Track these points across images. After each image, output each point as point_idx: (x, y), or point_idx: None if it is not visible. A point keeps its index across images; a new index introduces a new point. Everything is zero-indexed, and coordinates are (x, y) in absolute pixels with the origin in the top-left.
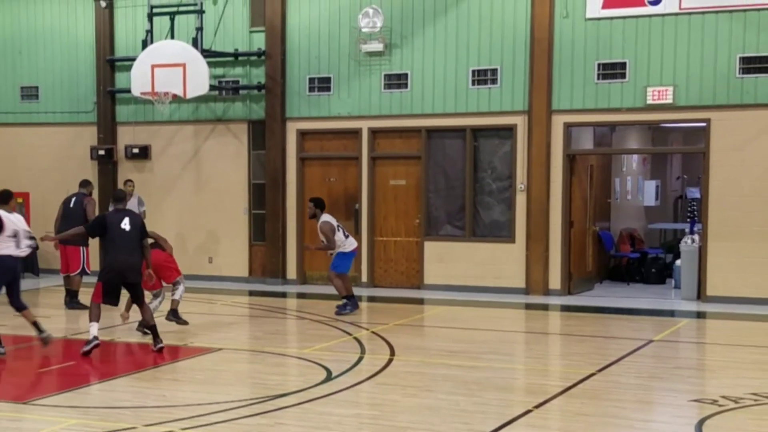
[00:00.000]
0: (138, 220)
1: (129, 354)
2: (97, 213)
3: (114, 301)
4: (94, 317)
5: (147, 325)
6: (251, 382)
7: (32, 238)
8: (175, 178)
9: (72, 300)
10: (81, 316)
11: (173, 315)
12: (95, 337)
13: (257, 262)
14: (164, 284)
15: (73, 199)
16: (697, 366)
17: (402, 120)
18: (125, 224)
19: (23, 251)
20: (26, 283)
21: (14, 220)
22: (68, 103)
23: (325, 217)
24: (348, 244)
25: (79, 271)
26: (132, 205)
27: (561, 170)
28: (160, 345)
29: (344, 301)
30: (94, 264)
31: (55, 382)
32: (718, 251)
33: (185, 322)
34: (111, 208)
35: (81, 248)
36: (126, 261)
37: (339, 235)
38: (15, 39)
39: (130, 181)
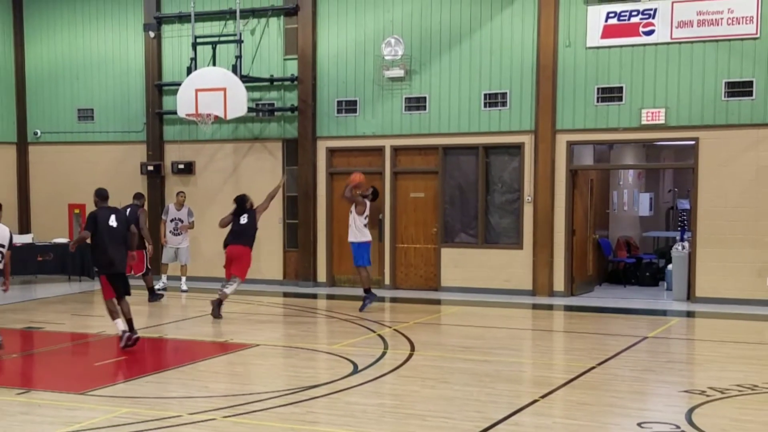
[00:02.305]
0: (122, 215)
1: (175, 349)
2: (145, 223)
3: (117, 292)
4: (116, 314)
5: (126, 317)
6: (285, 375)
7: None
8: (217, 191)
9: (152, 295)
10: (139, 312)
11: (217, 306)
12: (124, 331)
13: (291, 267)
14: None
15: (128, 210)
16: (687, 360)
17: (421, 138)
18: (112, 221)
19: None
20: (81, 285)
21: None
22: (120, 123)
23: (366, 203)
24: (363, 234)
25: (144, 272)
26: (182, 214)
27: (564, 184)
28: (136, 336)
29: (364, 296)
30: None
31: (108, 374)
32: (706, 257)
33: (220, 317)
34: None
35: (144, 251)
36: (115, 254)
37: (361, 220)
38: (73, 66)
39: (182, 192)
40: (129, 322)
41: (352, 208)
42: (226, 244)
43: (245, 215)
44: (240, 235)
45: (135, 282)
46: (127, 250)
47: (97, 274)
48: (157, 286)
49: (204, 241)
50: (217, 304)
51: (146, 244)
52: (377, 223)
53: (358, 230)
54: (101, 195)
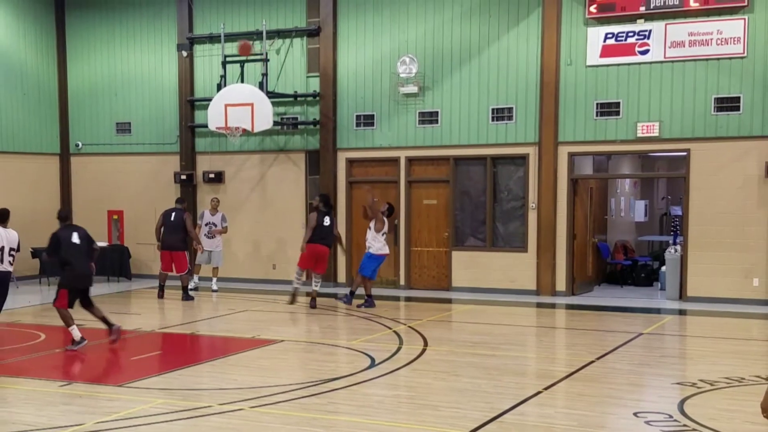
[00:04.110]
0: (84, 232)
1: (207, 345)
2: (192, 225)
3: (72, 305)
4: (71, 321)
5: (100, 316)
6: (308, 369)
7: (12, 255)
8: (245, 198)
9: (185, 294)
10: (173, 310)
11: (313, 303)
12: (82, 338)
13: None
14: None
15: (173, 214)
16: (679, 355)
17: (433, 150)
18: (75, 238)
19: (3, 266)
20: (119, 285)
21: (6, 237)
22: (156, 136)
23: (385, 220)
24: (379, 248)
25: (186, 271)
26: (216, 219)
27: (566, 192)
28: (117, 326)
29: (349, 294)
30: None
31: (144, 368)
32: (697, 259)
33: (315, 307)
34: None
35: (186, 253)
36: (82, 271)
37: (380, 237)
38: (112, 83)
39: (216, 198)
40: (104, 319)
41: (371, 225)
42: (310, 242)
43: (327, 217)
44: (324, 237)
45: (167, 282)
46: (90, 264)
47: (60, 287)
48: (189, 286)
49: (235, 244)
50: (313, 302)
51: (194, 245)
52: (393, 228)
53: (377, 243)
54: (61, 216)
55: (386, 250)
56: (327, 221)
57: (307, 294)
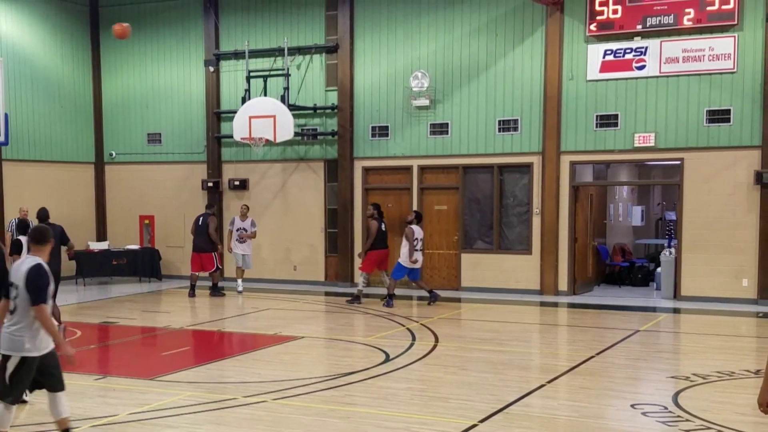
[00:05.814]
0: (58, 230)
1: (232, 341)
2: (214, 228)
3: (54, 295)
4: (58, 318)
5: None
6: (326, 363)
7: None
8: (268, 204)
9: (214, 290)
10: (201, 309)
11: (357, 299)
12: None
13: (331, 270)
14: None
15: (201, 218)
16: (673, 350)
17: (444, 159)
18: None
19: None
20: (150, 286)
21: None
22: (184, 146)
23: (414, 227)
24: (406, 257)
25: (214, 269)
26: (246, 224)
27: (567, 198)
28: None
29: (390, 296)
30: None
31: (174, 362)
32: (690, 261)
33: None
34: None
35: (214, 253)
36: (51, 267)
37: (408, 246)
38: (143, 96)
39: (245, 205)
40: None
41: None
42: (373, 248)
43: (383, 224)
44: (384, 242)
45: (198, 283)
46: (60, 262)
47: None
48: (239, 289)
49: (260, 247)
50: (358, 299)
51: (217, 246)
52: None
53: (403, 250)
54: (38, 216)
55: (414, 262)
56: (383, 227)
57: (382, 298)
